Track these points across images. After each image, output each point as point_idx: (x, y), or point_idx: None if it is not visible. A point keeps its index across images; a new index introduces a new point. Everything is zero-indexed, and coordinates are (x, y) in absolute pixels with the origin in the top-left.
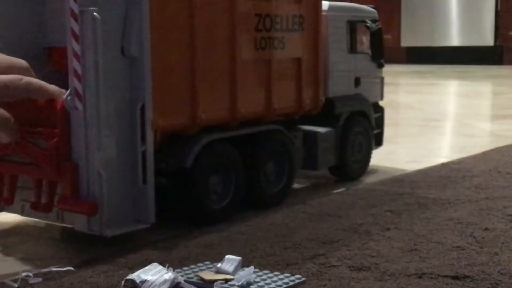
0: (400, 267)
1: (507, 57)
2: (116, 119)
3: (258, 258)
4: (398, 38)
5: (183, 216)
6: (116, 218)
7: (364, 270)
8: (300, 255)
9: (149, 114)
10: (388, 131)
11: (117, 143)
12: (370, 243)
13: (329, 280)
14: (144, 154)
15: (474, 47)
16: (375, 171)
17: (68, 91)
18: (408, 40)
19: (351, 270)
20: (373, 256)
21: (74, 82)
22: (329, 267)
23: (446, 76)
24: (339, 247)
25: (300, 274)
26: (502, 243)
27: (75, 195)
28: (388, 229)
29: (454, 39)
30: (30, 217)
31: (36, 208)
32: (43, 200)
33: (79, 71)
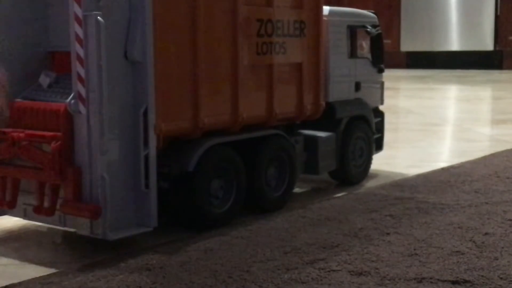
0: (400, 271)
1: (507, 62)
2: (119, 123)
3: (258, 262)
4: (397, 43)
5: (185, 220)
6: (118, 221)
7: (364, 275)
8: (300, 259)
9: (152, 118)
10: (388, 136)
11: (120, 147)
12: (370, 248)
13: (329, 284)
14: (146, 158)
15: (473, 52)
16: (375, 175)
17: (72, 95)
18: (407, 44)
19: (351, 274)
20: (373, 261)
21: (77, 86)
22: (329, 271)
23: (445, 81)
24: (339, 251)
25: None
26: (502, 247)
27: (78, 199)
28: (388, 233)
29: (454, 43)
30: (33, 220)
31: (39, 211)
32: (46, 203)
33: (83, 75)
